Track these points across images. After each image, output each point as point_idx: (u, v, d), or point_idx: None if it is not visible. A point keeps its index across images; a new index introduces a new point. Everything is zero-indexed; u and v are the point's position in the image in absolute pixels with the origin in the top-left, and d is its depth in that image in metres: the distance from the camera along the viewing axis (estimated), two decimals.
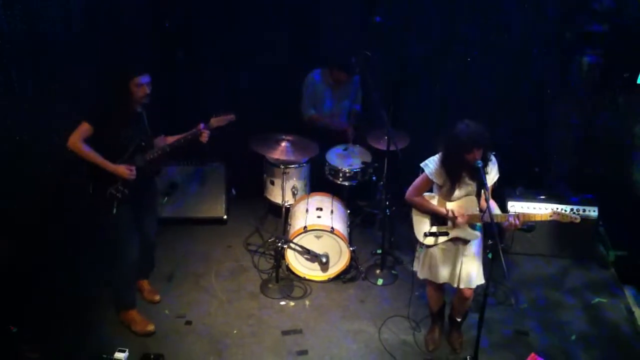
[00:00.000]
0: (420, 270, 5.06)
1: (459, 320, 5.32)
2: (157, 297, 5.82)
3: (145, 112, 5.05)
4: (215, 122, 5.25)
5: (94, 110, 4.96)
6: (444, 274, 4.93)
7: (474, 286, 4.92)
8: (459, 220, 4.69)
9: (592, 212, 6.37)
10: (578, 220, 4.61)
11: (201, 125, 5.21)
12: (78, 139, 4.82)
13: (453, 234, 4.79)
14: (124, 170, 4.91)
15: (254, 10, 7.32)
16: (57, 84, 5.77)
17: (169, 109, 7.48)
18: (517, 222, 4.54)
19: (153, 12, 7.19)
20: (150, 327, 5.39)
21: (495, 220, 4.45)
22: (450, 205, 4.77)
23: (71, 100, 5.88)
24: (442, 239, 4.84)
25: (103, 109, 4.94)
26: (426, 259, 4.97)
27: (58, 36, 5.70)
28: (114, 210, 4.98)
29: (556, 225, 6.38)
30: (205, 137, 5.21)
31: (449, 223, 4.78)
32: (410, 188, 4.86)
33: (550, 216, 4.57)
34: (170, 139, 5.25)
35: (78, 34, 5.93)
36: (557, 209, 6.08)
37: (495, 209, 4.66)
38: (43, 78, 5.59)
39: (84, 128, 4.82)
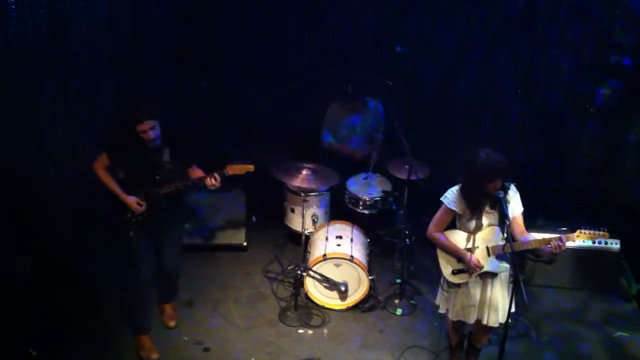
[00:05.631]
0: (451, 310, 4.92)
1: (478, 348, 5.27)
2: (172, 323, 5.82)
3: (169, 145, 5.13)
4: (231, 170, 5.21)
5: (109, 145, 5.19)
6: (475, 313, 4.82)
7: (497, 325, 4.81)
8: (480, 271, 4.64)
9: (614, 244, 6.32)
10: (607, 236, 4.55)
11: (213, 173, 5.18)
12: (99, 166, 5.15)
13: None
14: (132, 203, 5.11)
15: (276, 37, 7.40)
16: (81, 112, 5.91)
17: (191, 136, 7.60)
18: (562, 243, 4.43)
19: (176, 40, 7.30)
20: (154, 355, 5.39)
21: (536, 245, 4.50)
22: (475, 238, 4.72)
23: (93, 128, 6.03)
24: (470, 274, 4.74)
25: (116, 145, 5.16)
26: (457, 299, 4.85)
27: (81, 61, 5.83)
28: (131, 233, 5.14)
29: (577, 257, 6.35)
30: (210, 183, 5.14)
31: (475, 255, 4.69)
32: (431, 223, 4.79)
33: (577, 236, 4.53)
34: (194, 174, 5.28)
35: (102, 57, 6.07)
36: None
37: (531, 236, 4.64)
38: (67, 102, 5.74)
39: (103, 158, 5.12)
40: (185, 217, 6.62)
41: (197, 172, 5.29)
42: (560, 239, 4.43)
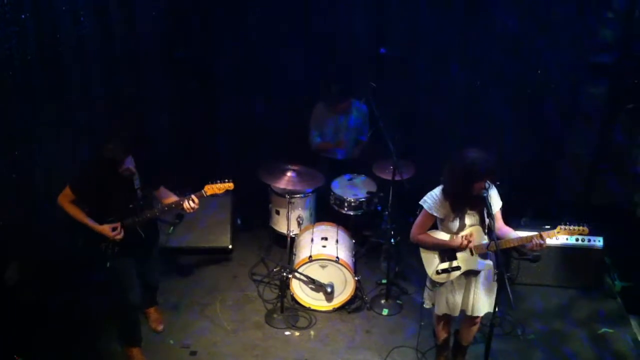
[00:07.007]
0: (437, 307, 4.97)
1: (465, 346, 5.29)
2: (160, 327, 5.81)
3: (141, 168, 4.94)
4: (209, 190, 5.04)
5: (77, 179, 4.92)
6: (460, 305, 4.88)
7: (482, 314, 4.89)
8: (471, 245, 4.62)
9: (598, 242, 6.36)
10: (587, 232, 4.57)
11: (190, 195, 5.02)
12: (64, 199, 4.89)
13: (465, 267, 4.73)
14: (108, 231, 4.90)
15: (268, 39, 7.39)
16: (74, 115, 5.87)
17: (181, 139, 7.57)
18: (542, 241, 4.46)
19: (168, 41, 7.26)
20: None
21: (519, 243, 4.51)
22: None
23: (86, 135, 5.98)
24: (454, 273, 4.77)
25: (87, 180, 4.89)
26: (442, 296, 4.90)
27: (71, 58, 5.78)
28: (108, 264, 5.00)
29: (562, 256, 6.38)
30: (188, 207, 4.98)
31: (458, 254, 4.73)
32: (414, 227, 4.81)
33: (558, 232, 4.55)
34: (166, 199, 5.15)
35: (92, 59, 6.02)
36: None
37: (512, 233, 4.66)
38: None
39: (67, 192, 4.87)
40: (170, 220, 6.60)
41: (169, 196, 5.16)
42: (540, 236, 4.46)
